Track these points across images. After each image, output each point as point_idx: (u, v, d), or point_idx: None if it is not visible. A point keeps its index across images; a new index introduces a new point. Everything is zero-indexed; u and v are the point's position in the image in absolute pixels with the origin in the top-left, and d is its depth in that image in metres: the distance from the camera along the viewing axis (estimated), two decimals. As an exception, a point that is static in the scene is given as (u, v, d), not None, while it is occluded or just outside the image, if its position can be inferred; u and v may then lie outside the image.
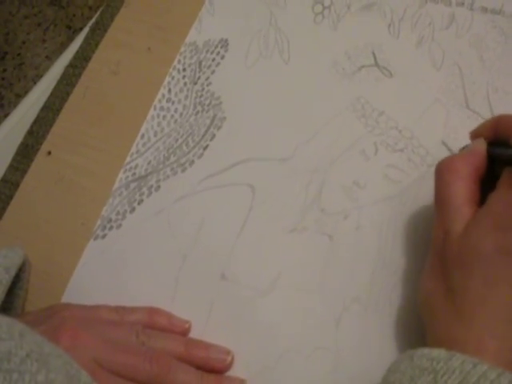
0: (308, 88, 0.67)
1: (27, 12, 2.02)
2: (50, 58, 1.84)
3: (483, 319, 0.44)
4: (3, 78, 1.91)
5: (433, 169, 0.58)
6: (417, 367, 0.43)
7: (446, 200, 0.49)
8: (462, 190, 0.48)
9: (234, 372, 0.56)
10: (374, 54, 0.67)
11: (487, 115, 0.62)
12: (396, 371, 0.45)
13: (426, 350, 0.44)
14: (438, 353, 0.43)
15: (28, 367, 0.42)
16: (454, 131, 0.62)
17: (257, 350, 0.56)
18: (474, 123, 0.60)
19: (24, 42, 1.96)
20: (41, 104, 0.72)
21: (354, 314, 0.56)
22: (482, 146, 0.51)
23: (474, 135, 0.54)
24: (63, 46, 1.87)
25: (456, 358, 0.42)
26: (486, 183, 0.49)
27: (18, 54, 1.94)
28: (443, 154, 0.60)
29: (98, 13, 0.75)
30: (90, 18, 2.00)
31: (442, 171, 0.51)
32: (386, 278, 0.57)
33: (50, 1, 2.06)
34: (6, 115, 0.79)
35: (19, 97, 1.86)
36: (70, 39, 1.90)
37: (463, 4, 0.67)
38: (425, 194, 0.59)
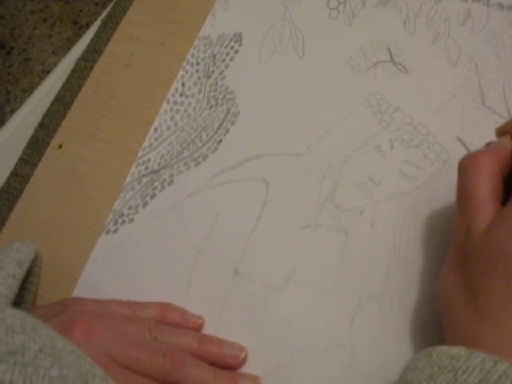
0: (322, 83, 0.66)
1: (33, 7, 2.02)
2: (57, 54, 1.84)
3: (504, 320, 0.43)
4: (9, 73, 1.91)
5: (448, 165, 0.58)
6: (436, 365, 0.43)
7: (469, 195, 0.48)
8: (486, 185, 0.47)
9: (247, 369, 0.56)
10: (389, 49, 0.66)
11: (503, 112, 0.61)
12: (414, 369, 0.44)
13: (444, 348, 0.43)
14: (458, 350, 0.42)
15: (42, 362, 0.41)
16: (469, 127, 0.61)
17: (270, 346, 0.56)
18: (490, 119, 0.60)
19: (30, 38, 1.96)
20: (51, 97, 0.72)
21: (369, 311, 0.56)
22: (508, 142, 0.50)
23: (501, 132, 0.53)
24: (69, 42, 1.87)
25: (476, 355, 0.41)
26: (509, 182, 0.49)
27: (24, 50, 1.93)
28: (459, 150, 0.60)
29: (110, 6, 0.75)
30: (96, 14, 1.99)
31: (466, 166, 0.49)
32: (402, 276, 0.57)
33: (57, -4, 2.06)
34: (13, 110, 0.79)
35: (25, 92, 1.86)
36: (77, 34, 1.90)
37: (479, 0, 0.67)
38: (440, 190, 0.59)
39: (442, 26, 0.66)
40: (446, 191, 0.59)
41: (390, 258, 0.57)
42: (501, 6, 0.66)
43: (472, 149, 0.60)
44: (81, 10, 2.04)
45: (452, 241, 0.50)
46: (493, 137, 0.59)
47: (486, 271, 0.45)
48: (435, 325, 0.54)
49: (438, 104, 0.63)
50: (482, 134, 0.61)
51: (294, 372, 0.55)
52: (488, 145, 0.53)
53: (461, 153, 0.60)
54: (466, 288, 0.46)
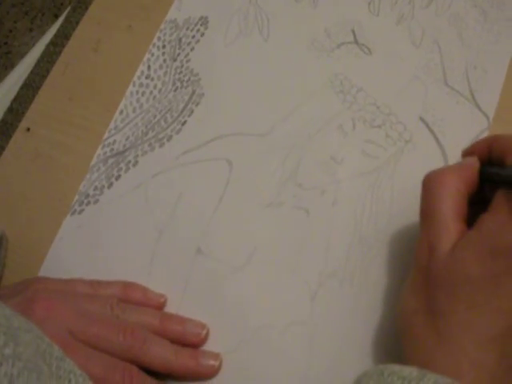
0: (287, 64, 0.66)
1: (14, 0, 2.01)
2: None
3: (463, 345, 0.43)
4: (-11, 66, 1.91)
5: (411, 145, 0.59)
6: None
7: (433, 214, 0.47)
8: (451, 205, 0.46)
9: (209, 346, 0.56)
10: (353, 31, 0.67)
11: (466, 92, 0.62)
12: None
13: (397, 368, 0.43)
14: (410, 371, 0.41)
15: None
16: (432, 108, 0.62)
17: (232, 324, 0.56)
18: (453, 100, 0.61)
19: (11, 31, 1.95)
20: (22, 83, 0.72)
21: (330, 288, 0.56)
22: (474, 161, 0.49)
23: (466, 153, 0.51)
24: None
25: (428, 377, 0.40)
26: (474, 204, 0.48)
27: (5, 43, 1.93)
28: (421, 129, 0.60)
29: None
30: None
31: (431, 183, 0.48)
32: (362, 253, 0.57)
33: (38, -11, 2.06)
34: (-6, 102, 0.79)
35: (6, 86, 1.86)
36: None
37: (444, -17, 0.67)
38: (402, 169, 0.59)
39: (406, 7, 0.67)
40: (407, 170, 0.59)
41: (351, 237, 0.58)
42: (465, -11, 0.66)
43: (435, 129, 0.60)
44: (62, 4, 2.04)
45: (413, 260, 0.48)
46: (455, 116, 0.60)
47: (448, 295, 0.44)
48: (393, 303, 0.55)
49: (401, 84, 0.63)
50: (445, 114, 0.61)
51: (256, 349, 0.55)
52: None
53: (423, 132, 0.61)
54: (427, 311, 0.46)
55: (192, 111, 0.65)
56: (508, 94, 0.61)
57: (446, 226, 0.46)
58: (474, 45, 0.64)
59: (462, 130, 0.54)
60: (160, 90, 0.67)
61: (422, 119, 0.61)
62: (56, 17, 2.00)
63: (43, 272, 0.61)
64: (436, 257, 0.45)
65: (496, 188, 0.46)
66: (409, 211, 0.57)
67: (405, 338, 0.48)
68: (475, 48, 0.64)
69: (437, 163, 0.54)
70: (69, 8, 0.74)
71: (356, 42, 0.66)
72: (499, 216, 0.44)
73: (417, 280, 0.47)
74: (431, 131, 0.60)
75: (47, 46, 0.73)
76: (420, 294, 0.46)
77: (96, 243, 0.62)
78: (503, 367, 0.42)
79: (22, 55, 0.85)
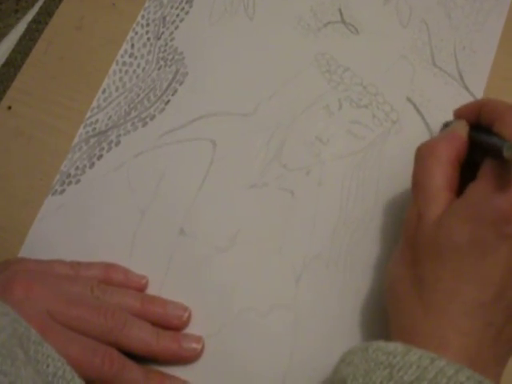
0: (272, 44, 0.66)
1: (-1, -18, 2.00)
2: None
3: (449, 313, 0.43)
4: (-24, 48, 1.88)
5: (398, 125, 0.58)
6: (372, 361, 0.42)
7: (423, 184, 0.48)
8: (441, 175, 0.47)
9: (191, 329, 0.56)
10: (340, 10, 0.66)
11: (454, 72, 0.61)
12: (350, 364, 0.44)
13: (381, 344, 0.43)
14: (395, 347, 0.42)
15: None
16: (419, 88, 0.61)
17: (214, 307, 0.56)
18: (441, 80, 0.61)
19: (-4, 12, 1.94)
20: (3, 61, 0.71)
21: (315, 270, 0.56)
22: (463, 129, 0.49)
23: (458, 114, 0.52)
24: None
25: (413, 352, 0.41)
26: (466, 168, 0.48)
27: (-10, 25, 1.92)
28: (409, 110, 0.60)
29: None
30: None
31: (422, 154, 0.49)
32: (348, 235, 0.57)
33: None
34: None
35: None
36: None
37: (432, -37, 0.66)
38: (389, 150, 0.59)
39: (395, -13, 0.66)
40: (394, 151, 0.59)
41: (336, 218, 0.57)
42: (453, -32, 0.66)
43: (422, 109, 0.60)
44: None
45: (403, 229, 0.49)
46: (443, 97, 0.59)
47: (434, 262, 0.45)
48: (380, 283, 0.54)
49: (388, 64, 0.63)
50: (433, 95, 0.61)
51: (238, 332, 0.55)
52: (445, 126, 0.53)
53: (411, 113, 0.60)
54: (414, 279, 0.46)
55: (176, 90, 0.65)
56: (496, 75, 0.61)
57: (435, 195, 0.46)
58: (462, 25, 0.63)
59: (450, 111, 0.54)
60: (143, 69, 0.66)
61: (409, 100, 0.60)
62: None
63: (23, 253, 0.61)
64: (423, 224, 0.46)
65: (484, 153, 0.46)
66: (395, 192, 0.57)
67: (391, 306, 0.48)
68: (464, 28, 0.63)
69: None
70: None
71: (343, 21, 0.65)
72: (485, 185, 0.44)
73: (405, 248, 0.48)
74: (418, 112, 0.60)
75: (29, 24, 0.71)
76: (407, 261, 0.47)
77: (77, 224, 0.61)
78: (490, 335, 0.43)
79: (7, 37, 0.84)
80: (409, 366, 0.40)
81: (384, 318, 0.50)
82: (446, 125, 0.53)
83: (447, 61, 0.62)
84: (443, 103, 0.60)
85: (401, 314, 0.47)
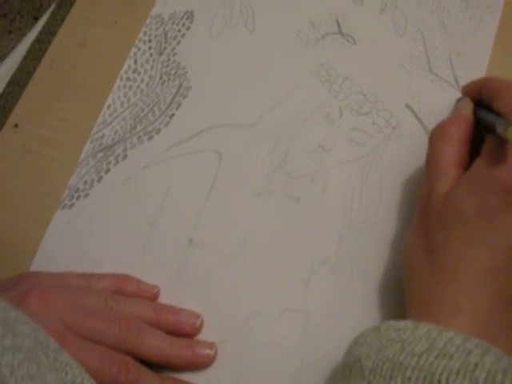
0: (273, 56, 0.67)
1: (-8, 3, 2.02)
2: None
3: (460, 280, 0.45)
4: (-30, 69, 1.89)
5: (397, 131, 0.60)
6: (384, 338, 0.44)
7: (435, 161, 0.51)
8: (451, 153, 0.50)
9: (203, 336, 0.56)
10: (337, 21, 0.67)
11: (450, 78, 0.63)
12: (363, 344, 0.45)
13: (392, 322, 0.45)
14: (405, 323, 0.44)
15: None
16: (417, 94, 0.63)
17: (226, 313, 0.57)
18: (437, 86, 0.62)
19: (-11, 33, 1.96)
20: (7, 80, 0.72)
21: (322, 275, 0.57)
22: (469, 108, 0.53)
23: (464, 92, 0.56)
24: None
25: (422, 327, 0.43)
26: (475, 143, 0.51)
27: (-16, 46, 1.93)
28: (407, 116, 0.62)
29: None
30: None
31: (435, 136, 0.52)
32: (353, 239, 0.58)
33: (16, -9, 2.05)
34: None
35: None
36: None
37: (425, -27, 0.68)
38: (389, 155, 0.60)
39: (390, -3, 0.68)
40: (395, 156, 0.60)
41: (341, 223, 0.58)
42: (446, -22, 0.67)
43: (421, 115, 0.62)
44: (41, 5, 2.04)
45: (417, 204, 0.52)
46: (440, 102, 0.61)
47: (443, 231, 0.47)
48: (387, 286, 0.55)
49: (386, 73, 0.64)
50: (430, 100, 0.62)
51: (250, 337, 0.56)
52: (458, 101, 0.56)
53: (410, 119, 0.62)
54: (426, 248, 0.48)
55: (180, 104, 0.66)
56: (492, 80, 0.62)
57: (445, 170, 0.49)
58: (456, 32, 0.65)
59: (447, 116, 0.55)
60: (147, 84, 0.68)
61: (407, 106, 0.62)
62: (35, 19, 2.00)
63: (35, 267, 0.62)
64: (434, 197, 0.49)
65: (488, 129, 0.49)
66: (397, 195, 0.58)
67: (406, 278, 0.50)
68: (458, 35, 0.65)
69: (423, 148, 0.54)
70: (54, 5, 0.74)
71: (340, 32, 0.67)
72: (488, 159, 0.46)
73: (417, 221, 0.50)
74: (417, 117, 0.61)
75: (33, 43, 0.73)
76: (420, 233, 0.49)
77: (87, 237, 0.62)
78: (501, 302, 0.45)
79: (2, 58, 0.85)
80: (419, 339, 0.42)
81: (392, 317, 0.51)
82: (458, 100, 0.56)
83: (443, 67, 0.63)
84: (440, 108, 0.61)
85: (414, 284, 0.49)
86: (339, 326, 0.55)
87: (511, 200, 0.44)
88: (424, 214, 0.50)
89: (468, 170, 0.48)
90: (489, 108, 0.49)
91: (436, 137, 0.52)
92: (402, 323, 0.44)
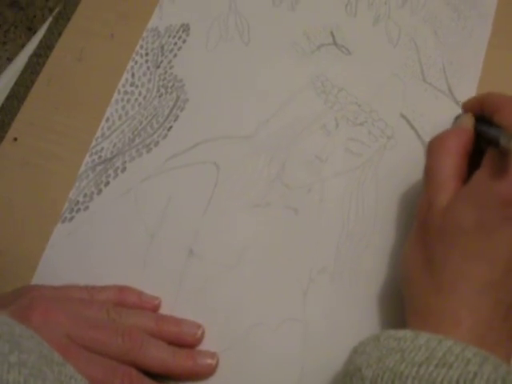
0: (268, 68, 0.68)
1: (-14, 15, 2.02)
2: (12, 60, 1.83)
3: (460, 292, 0.46)
4: (-35, 81, 1.89)
5: (393, 140, 0.60)
6: (384, 347, 0.44)
7: (433, 175, 0.51)
8: (449, 165, 0.50)
9: (204, 346, 0.57)
10: (332, 33, 0.68)
11: (444, 87, 0.63)
12: (363, 353, 0.46)
13: (391, 332, 0.45)
14: (404, 333, 0.44)
15: (0, 349, 0.42)
16: (411, 104, 0.63)
17: (226, 323, 0.58)
18: (431, 95, 0.63)
19: (-16, 45, 1.96)
20: (6, 94, 0.73)
21: (321, 284, 0.58)
22: (470, 122, 0.53)
23: (465, 108, 0.56)
24: (25, 49, 1.88)
25: (421, 336, 0.43)
26: (475, 157, 0.51)
27: (-21, 57, 1.93)
28: (402, 125, 0.62)
29: (61, 3, 0.76)
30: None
31: (433, 147, 0.52)
32: (351, 249, 0.58)
33: (10, 3, 2.05)
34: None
35: (-19, 98, 1.85)
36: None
37: (417, -17, 0.69)
38: (385, 164, 0.61)
39: (382, 8, 0.68)
40: (391, 165, 0.61)
41: (339, 233, 0.59)
42: (437, -12, 0.68)
43: (415, 124, 0.62)
44: (34, 16, 2.04)
45: (415, 216, 0.52)
46: (434, 111, 0.62)
47: (443, 245, 0.47)
48: (386, 295, 0.56)
49: (380, 83, 0.65)
50: (425, 110, 0.63)
51: (251, 346, 0.56)
52: (456, 118, 0.56)
53: (405, 128, 0.62)
54: (425, 260, 0.49)
55: (177, 116, 0.67)
56: (484, 88, 0.63)
57: (444, 183, 0.49)
58: (449, 41, 0.66)
59: (442, 125, 0.56)
60: (145, 97, 0.68)
61: (402, 115, 0.63)
62: (29, 30, 2.00)
63: (36, 280, 0.62)
64: (433, 210, 0.49)
65: (488, 143, 0.49)
66: (394, 204, 0.59)
67: (406, 289, 0.51)
68: (450, 44, 0.65)
69: (418, 157, 0.56)
70: (50, 18, 0.75)
71: (335, 43, 0.68)
72: (488, 172, 0.47)
73: (417, 233, 0.51)
74: (412, 127, 0.62)
75: (30, 57, 0.73)
76: (419, 245, 0.50)
77: (88, 249, 0.63)
78: (499, 313, 0.45)
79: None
80: (418, 349, 0.42)
81: (391, 326, 0.52)
82: (457, 118, 0.56)
83: (437, 76, 0.64)
84: (435, 117, 0.62)
85: (415, 295, 0.49)
86: (339, 335, 0.56)
87: (510, 213, 0.45)
88: (423, 227, 0.50)
89: (467, 183, 0.48)
90: (489, 123, 0.50)
91: (435, 148, 0.52)
92: (401, 332, 0.45)
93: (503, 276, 0.45)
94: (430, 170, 0.52)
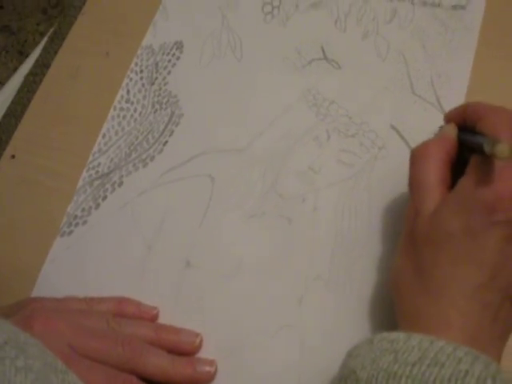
0: (261, 82, 0.70)
1: (-22, 39, 2.03)
2: (4, 84, 1.83)
3: (449, 296, 0.47)
4: (-43, 104, 1.89)
5: (384, 151, 0.62)
6: (377, 349, 0.45)
7: (418, 182, 0.51)
8: (434, 173, 0.51)
9: (203, 354, 0.58)
10: (322, 48, 0.70)
11: (432, 99, 0.65)
12: (357, 356, 0.47)
13: (385, 334, 0.46)
14: (397, 335, 0.45)
15: (7, 353, 0.42)
16: (401, 115, 0.65)
17: (224, 331, 0.59)
18: (420, 107, 0.64)
19: (-24, 69, 1.97)
20: (2, 112, 0.74)
21: (316, 291, 0.59)
22: (452, 131, 0.53)
23: (447, 118, 0.56)
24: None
25: (414, 337, 0.44)
26: (458, 166, 0.52)
27: (-28, 81, 1.94)
28: (393, 136, 0.64)
29: (56, 22, 0.77)
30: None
31: (417, 156, 0.53)
32: (345, 255, 0.60)
33: (1, 27, 2.06)
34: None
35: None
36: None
37: (405, -1, 0.71)
38: (377, 174, 0.62)
39: (371, 24, 0.70)
40: (382, 175, 0.62)
41: (333, 241, 0.60)
42: (424, 3, 0.70)
43: (405, 135, 0.63)
44: (26, 41, 2.06)
45: (404, 224, 0.53)
46: (424, 123, 0.63)
47: (431, 250, 0.48)
48: (380, 300, 0.57)
49: (370, 95, 0.66)
50: (414, 121, 0.64)
51: (249, 353, 0.57)
52: (441, 128, 0.56)
53: (395, 139, 0.64)
54: (414, 267, 0.49)
55: (172, 131, 0.68)
56: (472, 99, 0.64)
57: (430, 191, 0.50)
58: (436, 54, 0.67)
59: (431, 135, 0.57)
60: (140, 113, 0.70)
61: (392, 127, 0.64)
62: (21, 54, 2.01)
63: (36, 293, 0.63)
64: (420, 218, 0.50)
65: (471, 151, 0.50)
66: (386, 212, 0.60)
67: (396, 296, 0.52)
68: (438, 57, 0.67)
69: (408, 167, 0.57)
70: (46, 38, 0.76)
71: (325, 57, 0.69)
72: (472, 179, 0.48)
73: (405, 241, 0.52)
74: (402, 138, 0.63)
75: (27, 76, 0.75)
76: (408, 253, 0.51)
77: (87, 262, 0.64)
78: (488, 315, 0.46)
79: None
80: (411, 349, 0.43)
81: (385, 330, 0.53)
82: (441, 128, 0.57)
83: (425, 89, 0.66)
84: (424, 128, 0.62)
85: (405, 301, 0.50)
86: (334, 340, 0.57)
87: (495, 219, 0.46)
88: (411, 234, 0.51)
89: (453, 190, 0.49)
90: (472, 132, 0.51)
91: (417, 157, 0.53)
92: (394, 334, 0.46)
93: (491, 279, 0.46)
94: (415, 179, 0.52)
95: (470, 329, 0.46)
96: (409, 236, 0.51)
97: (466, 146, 0.52)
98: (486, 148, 0.45)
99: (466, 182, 0.48)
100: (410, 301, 0.49)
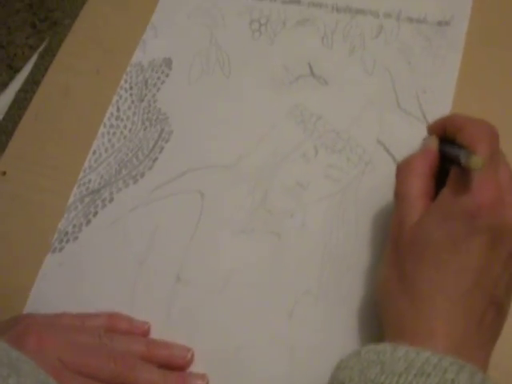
0: (249, 99, 0.71)
1: (-33, 53, 2.03)
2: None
3: (433, 304, 0.48)
4: None
5: (370, 166, 0.63)
6: (365, 361, 0.46)
7: (402, 194, 0.53)
8: (417, 185, 0.52)
9: (194, 368, 0.59)
10: (309, 64, 0.71)
11: (418, 114, 0.66)
12: (345, 368, 0.48)
13: (371, 346, 0.47)
14: (384, 346, 0.46)
15: None
16: (387, 130, 0.66)
17: (214, 346, 0.59)
18: (406, 121, 0.65)
19: (-35, 82, 1.97)
20: (-7, 131, 0.75)
21: (306, 305, 0.59)
22: (434, 144, 0.55)
23: (430, 130, 0.58)
24: (5, 86, 1.88)
25: (400, 349, 0.45)
26: (440, 176, 0.53)
27: (-40, 94, 1.94)
28: (379, 151, 0.64)
29: (46, 40, 0.78)
30: (31, 58, 2.00)
31: (402, 170, 0.55)
32: (334, 269, 0.60)
33: (-11, 41, 2.08)
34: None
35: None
36: (12, 79, 1.90)
37: (390, 15, 0.72)
38: (364, 188, 0.63)
39: (357, 40, 0.71)
40: (369, 189, 0.63)
41: (321, 255, 0.61)
42: (410, 20, 0.71)
43: (392, 149, 0.64)
44: (15, 54, 2.06)
45: (389, 235, 0.54)
46: (410, 137, 0.64)
47: (414, 259, 0.50)
48: (369, 313, 0.58)
49: (357, 111, 0.67)
50: (400, 135, 0.65)
51: (239, 367, 0.58)
52: (424, 140, 0.58)
53: (382, 154, 0.65)
54: (399, 276, 0.51)
55: (162, 148, 0.69)
56: (459, 111, 0.65)
57: (413, 203, 0.52)
58: (421, 69, 0.68)
59: (417, 149, 0.58)
60: (130, 130, 0.70)
61: (379, 141, 0.65)
62: (10, 68, 2.02)
63: (28, 309, 0.64)
64: (404, 228, 0.51)
65: (452, 162, 0.52)
66: (373, 226, 0.61)
67: (382, 306, 0.53)
68: (423, 72, 0.68)
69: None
70: (36, 55, 0.77)
71: (312, 74, 0.70)
72: (453, 189, 0.49)
73: (390, 251, 0.53)
74: (388, 152, 0.64)
75: (17, 93, 0.75)
76: (393, 262, 0.52)
77: (78, 279, 0.65)
78: (473, 322, 0.47)
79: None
80: (397, 360, 0.44)
81: (374, 342, 0.54)
82: (424, 139, 0.58)
83: (411, 103, 0.67)
84: (410, 142, 0.63)
85: (390, 311, 0.51)
86: (324, 354, 0.57)
87: (476, 225, 0.47)
88: (395, 245, 0.52)
89: (435, 200, 0.51)
90: (453, 143, 0.52)
91: (402, 170, 0.54)
92: (381, 346, 0.46)
93: (474, 285, 0.47)
94: (399, 192, 0.54)
95: (455, 335, 0.47)
96: (394, 246, 0.53)
97: (447, 157, 0.53)
98: (462, 160, 0.48)
99: (447, 192, 0.50)
100: (395, 310, 0.50)
